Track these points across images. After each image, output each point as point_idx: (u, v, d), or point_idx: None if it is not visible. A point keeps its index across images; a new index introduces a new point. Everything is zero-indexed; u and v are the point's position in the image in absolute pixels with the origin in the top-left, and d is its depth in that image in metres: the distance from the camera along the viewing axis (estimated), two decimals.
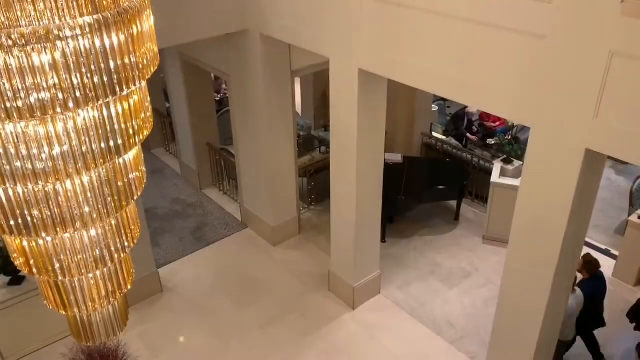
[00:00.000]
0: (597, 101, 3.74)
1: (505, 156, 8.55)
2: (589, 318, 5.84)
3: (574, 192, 4.13)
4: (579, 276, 5.76)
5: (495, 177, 8.16)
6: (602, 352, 6.16)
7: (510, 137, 9.13)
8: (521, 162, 8.08)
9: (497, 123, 10.63)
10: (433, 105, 10.95)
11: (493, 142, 9.74)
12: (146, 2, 2.07)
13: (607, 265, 7.79)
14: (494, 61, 4.31)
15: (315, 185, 9.12)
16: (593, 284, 5.73)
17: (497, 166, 8.38)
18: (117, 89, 1.93)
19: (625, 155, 3.89)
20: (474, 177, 9.10)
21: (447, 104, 12.37)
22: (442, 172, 9.14)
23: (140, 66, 2.02)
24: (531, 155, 4.37)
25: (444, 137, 10.46)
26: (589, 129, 3.86)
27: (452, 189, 8.65)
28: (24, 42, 1.66)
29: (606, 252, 8.15)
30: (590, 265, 5.78)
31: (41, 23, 1.87)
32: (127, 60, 1.93)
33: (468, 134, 10.53)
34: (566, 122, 3.98)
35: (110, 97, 1.92)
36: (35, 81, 1.74)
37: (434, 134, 10.60)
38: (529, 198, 4.51)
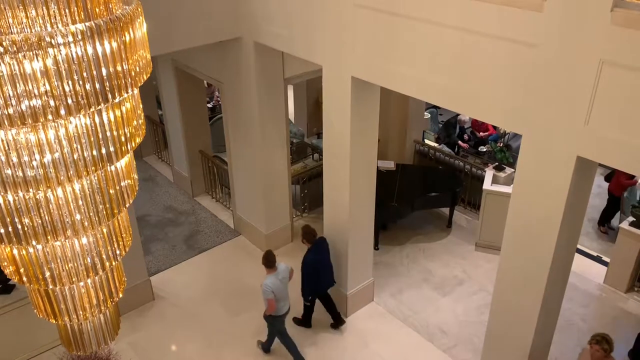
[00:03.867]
0: (587, 109, 3.78)
1: (497, 163, 8.59)
2: (322, 278, 6.63)
3: (566, 198, 4.15)
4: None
5: (487, 185, 8.20)
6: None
7: (502, 144, 9.18)
8: (513, 170, 8.12)
9: (487, 133, 10.69)
10: (425, 113, 11.00)
11: (485, 150, 9.79)
12: (139, 9, 2.08)
13: (598, 272, 7.85)
14: (485, 69, 4.34)
15: (308, 192, 9.11)
16: (317, 249, 6.51)
17: (489, 173, 8.42)
18: (109, 96, 1.92)
19: (616, 162, 3.92)
20: (466, 185, 9.14)
21: (440, 112, 12.43)
22: (434, 179, 9.16)
23: (133, 73, 2.02)
24: (523, 162, 4.39)
25: (436, 145, 10.51)
26: (580, 136, 3.89)
27: (445, 196, 8.67)
28: (15, 49, 1.66)
29: (597, 259, 8.19)
30: (310, 235, 6.48)
31: (33, 30, 1.86)
32: (119, 68, 1.93)
33: (460, 142, 10.58)
34: (557, 129, 4.01)
35: (102, 104, 1.92)
36: (27, 88, 1.73)
37: (426, 141, 10.65)
38: (521, 205, 4.53)
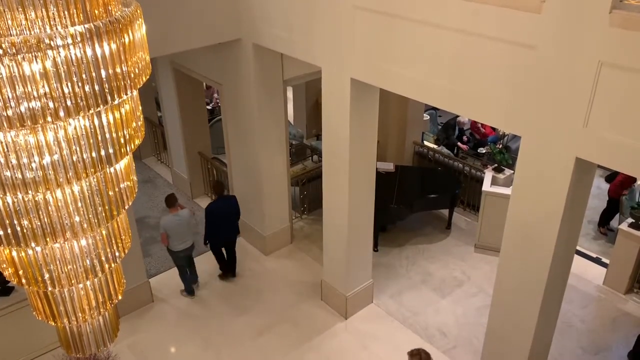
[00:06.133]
0: (586, 110, 3.78)
1: (496, 165, 8.60)
2: (219, 227, 7.46)
3: (565, 200, 4.16)
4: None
5: (486, 186, 8.20)
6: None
7: (501, 146, 9.18)
8: (512, 171, 8.13)
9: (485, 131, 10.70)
10: (425, 114, 11.01)
11: (484, 151, 9.78)
12: (138, 11, 2.08)
13: (597, 274, 7.85)
14: (485, 71, 4.34)
15: (308, 194, 9.11)
16: (219, 201, 7.44)
17: (488, 175, 8.43)
18: (109, 98, 1.92)
19: (615, 163, 3.93)
20: (465, 186, 9.14)
21: (439, 113, 12.44)
22: (433, 181, 9.17)
23: (132, 75, 2.01)
24: (522, 163, 4.40)
25: (435, 146, 10.51)
26: (579, 137, 3.90)
27: (444, 197, 8.68)
28: (14, 50, 1.66)
29: (597, 261, 8.19)
30: (219, 188, 7.48)
31: (32, 32, 1.86)
32: (118, 70, 1.93)
33: (459, 143, 10.58)
34: (556, 131, 4.02)
35: (102, 106, 1.92)
36: (26, 90, 1.73)
37: (425, 142, 10.65)
38: (520, 206, 4.54)
